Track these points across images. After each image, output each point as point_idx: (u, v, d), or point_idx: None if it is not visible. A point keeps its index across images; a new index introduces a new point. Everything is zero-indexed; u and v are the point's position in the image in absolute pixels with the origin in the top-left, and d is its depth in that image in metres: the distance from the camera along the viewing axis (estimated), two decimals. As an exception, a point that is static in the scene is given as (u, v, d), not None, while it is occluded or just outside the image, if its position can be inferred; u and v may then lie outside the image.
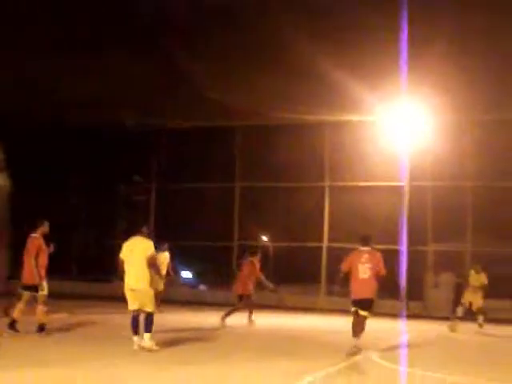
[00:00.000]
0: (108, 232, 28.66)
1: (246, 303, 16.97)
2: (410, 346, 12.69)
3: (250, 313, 17.16)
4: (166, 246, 19.34)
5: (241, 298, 16.95)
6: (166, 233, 27.54)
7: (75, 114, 24.25)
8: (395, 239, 24.34)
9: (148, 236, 11.61)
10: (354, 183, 25.98)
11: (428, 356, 12.05)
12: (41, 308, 12.54)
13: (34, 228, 12.93)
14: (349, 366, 10.25)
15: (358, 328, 12.08)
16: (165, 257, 19.13)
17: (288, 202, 26.70)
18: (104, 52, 20.70)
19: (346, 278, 12.39)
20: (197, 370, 9.49)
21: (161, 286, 17.79)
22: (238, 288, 17.12)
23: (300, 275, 27.87)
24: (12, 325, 12.50)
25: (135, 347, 10.93)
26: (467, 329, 17.83)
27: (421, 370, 10.14)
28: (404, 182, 24.84)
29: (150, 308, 11.15)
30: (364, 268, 12.12)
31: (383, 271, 12.29)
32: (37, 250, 12.65)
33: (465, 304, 17.89)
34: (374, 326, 18.41)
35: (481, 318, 17.76)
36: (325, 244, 26.47)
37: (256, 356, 11.15)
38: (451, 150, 24.00)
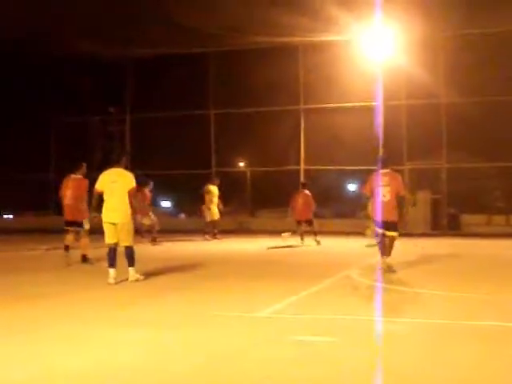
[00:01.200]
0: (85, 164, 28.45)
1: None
2: (397, 264, 12.85)
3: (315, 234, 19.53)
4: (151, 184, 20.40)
5: (299, 223, 19.59)
6: (143, 163, 27.53)
7: (50, 44, 23.77)
8: (371, 159, 24.45)
9: (126, 167, 11.23)
10: (329, 105, 25.95)
11: (412, 273, 12.25)
12: (85, 241, 13.79)
13: (74, 170, 14.08)
14: (330, 286, 10.43)
15: (389, 248, 12.24)
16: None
17: (264, 127, 26.66)
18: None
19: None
20: (176, 292, 9.66)
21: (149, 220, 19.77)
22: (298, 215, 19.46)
23: (278, 199, 28.08)
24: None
25: (110, 280, 10.53)
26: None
27: (403, 287, 10.38)
28: (378, 102, 24.82)
29: (129, 242, 10.84)
30: (384, 190, 12.12)
31: (402, 192, 12.44)
32: (84, 190, 13.76)
33: None
34: (353, 246, 18.80)
35: None
36: (302, 167, 26.60)
37: (238, 278, 11.32)
38: (425, 68, 23.94)
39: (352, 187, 31.30)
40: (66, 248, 13.79)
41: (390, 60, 24.05)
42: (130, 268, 10.82)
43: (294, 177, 26.63)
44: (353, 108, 25.42)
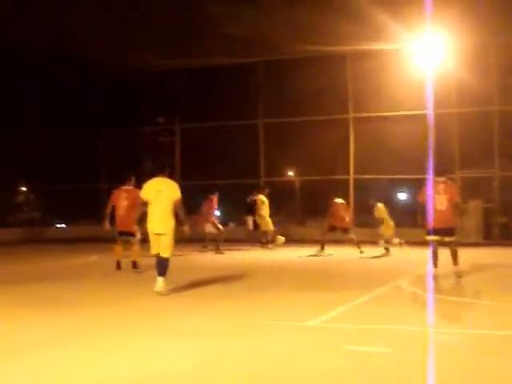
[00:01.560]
0: (134, 175, 28.79)
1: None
2: (442, 273, 12.72)
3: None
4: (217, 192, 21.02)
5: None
6: (192, 173, 27.74)
7: (99, 56, 24.14)
8: (422, 168, 24.19)
9: (170, 177, 11.11)
10: (379, 114, 25.78)
11: (463, 283, 12.10)
12: (136, 249, 14.18)
13: (125, 181, 14.61)
14: (381, 295, 10.34)
15: (454, 257, 12.45)
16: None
17: (313, 136, 26.57)
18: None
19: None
20: (227, 301, 9.69)
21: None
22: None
23: (326, 208, 27.95)
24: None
25: (157, 289, 10.41)
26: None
27: (454, 297, 10.25)
28: (429, 110, 24.55)
29: (167, 253, 10.57)
30: (441, 198, 12.32)
31: (457, 199, 12.71)
32: (135, 201, 13.67)
33: None
34: (404, 255, 18.61)
35: None
36: (351, 176, 26.46)
37: (289, 288, 11.31)
38: (476, 75, 23.63)
39: (402, 196, 30.99)
40: (118, 265, 14.17)
41: (440, 67, 23.79)
42: (160, 278, 10.48)
43: (343, 186, 26.50)
44: (403, 116, 25.20)
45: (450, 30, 21.91)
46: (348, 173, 26.55)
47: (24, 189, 31.98)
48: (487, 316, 8.53)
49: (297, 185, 29.46)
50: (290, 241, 23.00)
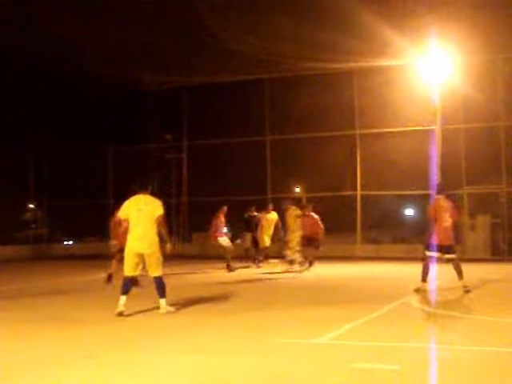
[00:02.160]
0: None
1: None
2: (450, 289, 12.69)
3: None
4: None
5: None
6: (199, 189, 27.78)
7: (106, 74, 24.24)
8: (428, 184, 24.22)
9: (152, 194, 10.63)
10: (385, 129, 25.80)
11: (470, 299, 12.04)
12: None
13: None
14: (389, 312, 10.30)
15: (458, 271, 12.56)
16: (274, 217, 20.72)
17: (319, 152, 26.61)
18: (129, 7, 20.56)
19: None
20: (235, 317, 9.67)
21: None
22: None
23: (335, 225, 27.91)
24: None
25: (119, 308, 9.94)
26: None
27: (460, 313, 10.20)
28: (436, 126, 24.57)
29: (158, 272, 10.23)
30: (446, 216, 12.51)
31: (457, 217, 12.94)
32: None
33: None
34: (412, 271, 18.53)
35: None
36: (358, 192, 26.45)
37: (296, 305, 11.28)
38: (482, 91, 23.64)
39: (409, 212, 30.96)
40: (110, 277, 14.55)
41: (447, 83, 23.82)
42: (162, 300, 10.27)
43: (350, 202, 26.51)
44: (409, 132, 25.20)
45: (457, 45, 21.97)
46: (355, 189, 26.54)
47: (32, 206, 32.08)
48: (494, 333, 8.48)
49: (304, 201, 29.43)
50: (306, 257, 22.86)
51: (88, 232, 29.37)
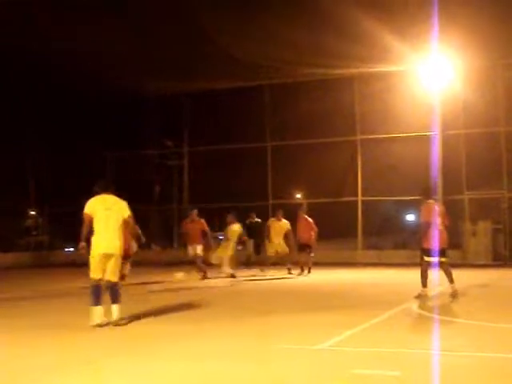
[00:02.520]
0: (142, 198, 28.88)
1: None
2: (451, 295, 12.67)
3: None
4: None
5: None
6: (201, 196, 27.76)
7: (105, 80, 24.27)
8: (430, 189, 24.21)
9: (115, 195, 10.13)
10: (386, 135, 25.79)
11: (471, 305, 12.03)
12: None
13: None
14: (390, 318, 10.28)
15: (449, 275, 12.65)
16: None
17: (320, 158, 26.59)
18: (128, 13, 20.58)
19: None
20: (238, 323, 9.65)
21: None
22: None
23: (336, 231, 27.87)
24: None
25: (97, 320, 9.50)
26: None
27: (462, 319, 10.17)
28: (436, 131, 24.57)
29: (117, 277, 9.84)
30: (439, 220, 12.62)
31: (449, 222, 13.07)
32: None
33: None
34: (413, 277, 18.51)
35: None
36: (359, 198, 26.43)
37: (297, 311, 11.26)
38: (483, 96, 23.66)
39: (410, 217, 30.91)
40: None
41: (447, 89, 23.83)
42: (115, 305, 9.69)
43: (351, 208, 26.49)
44: (410, 138, 25.19)
45: (457, 51, 21.98)
46: (356, 194, 26.52)
47: (33, 213, 32.04)
48: (497, 338, 8.46)
49: (304, 207, 29.39)
50: (299, 263, 22.86)
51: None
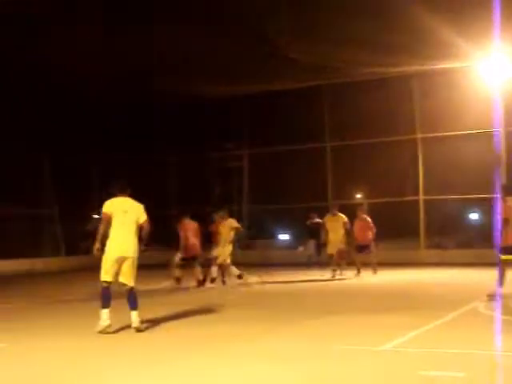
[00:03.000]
0: (203, 200, 29.13)
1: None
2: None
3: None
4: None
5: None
6: (261, 197, 27.86)
7: (162, 83, 24.51)
8: (494, 187, 23.76)
9: (131, 197, 10.01)
10: (447, 133, 25.42)
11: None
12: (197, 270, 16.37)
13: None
14: (454, 319, 10.12)
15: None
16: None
17: (381, 158, 26.37)
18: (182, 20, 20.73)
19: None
20: (301, 324, 9.64)
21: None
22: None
23: (397, 230, 27.61)
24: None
25: (105, 323, 9.34)
26: None
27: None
28: (500, 128, 24.07)
29: (133, 282, 9.63)
30: None
31: None
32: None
33: None
34: (478, 277, 18.21)
35: None
36: (421, 197, 26.11)
37: (358, 312, 11.20)
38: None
39: (474, 216, 30.40)
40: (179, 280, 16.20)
41: (509, 85, 23.32)
42: (135, 312, 9.51)
43: (412, 207, 26.20)
44: (472, 135, 24.76)
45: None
46: (417, 193, 26.20)
47: (96, 216, 32.56)
48: None
49: (364, 207, 29.19)
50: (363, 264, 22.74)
51: (152, 241, 29.76)
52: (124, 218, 9.62)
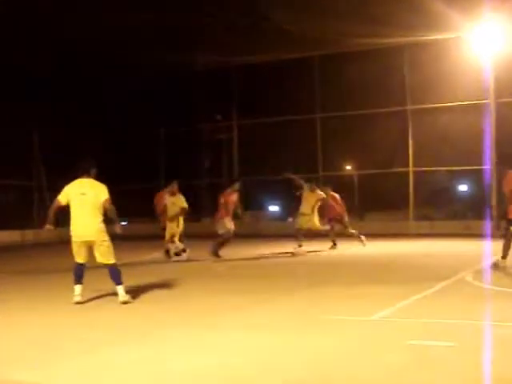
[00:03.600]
0: (193, 172, 29.08)
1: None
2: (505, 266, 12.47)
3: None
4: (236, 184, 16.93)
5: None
6: (251, 168, 27.81)
7: (149, 55, 24.36)
8: (482, 159, 23.85)
9: (95, 178, 9.79)
10: (437, 104, 25.39)
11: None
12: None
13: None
14: (443, 289, 10.16)
15: None
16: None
17: (370, 129, 26.35)
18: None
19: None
20: (288, 297, 9.66)
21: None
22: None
23: (387, 202, 27.71)
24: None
25: (77, 298, 9.44)
26: None
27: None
28: (489, 99, 24.06)
29: (111, 260, 9.55)
30: None
31: None
32: None
33: None
34: (466, 247, 18.31)
35: None
36: (411, 169, 26.14)
37: (347, 283, 11.23)
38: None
39: (463, 188, 30.51)
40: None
41: (501, 56, 23.27)
42: (119, 287, 9.52)
43: (401, 179, 26.24)
44: (462, 107, 24.74)
45: (510, 16, 21.43)
46: (407, 165, 26.23)
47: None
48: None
49: (355, 179, 29.25)
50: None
51: (140, 213, 29.62)
52: (82, 200, 9.48)
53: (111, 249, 9.60)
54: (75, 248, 9.57)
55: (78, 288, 9.51)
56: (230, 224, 16.22)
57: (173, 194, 16.16)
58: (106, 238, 9.53)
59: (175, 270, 14.18)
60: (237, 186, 16.67)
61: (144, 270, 14.33)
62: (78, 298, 9.44)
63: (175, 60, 25.20)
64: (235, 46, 24.24)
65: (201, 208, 28.99)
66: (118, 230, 9.72)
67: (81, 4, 20.38)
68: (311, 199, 17.63)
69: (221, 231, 16.25)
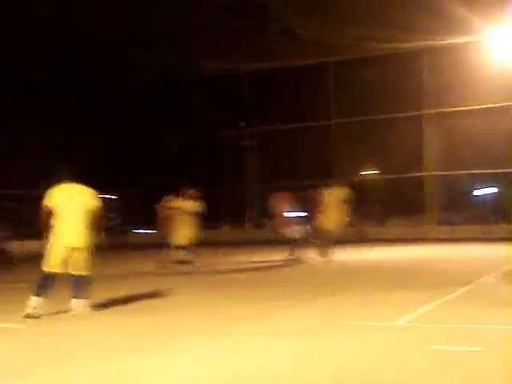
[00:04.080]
0: (216, 179, 29.15)
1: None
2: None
3: None
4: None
5: None
6: (270, 174, 27.81)
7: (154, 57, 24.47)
8: (506, 162, 23.72)
9: (82, 183, 9.34)
10: (457, 108, 25.27)
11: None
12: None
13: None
14: (466, 294, 10.09)
15: None
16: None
17: (389, 134, 26.26)
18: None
19: None
20: (310, 303, 9.64)
21: None
22: None
23: (406, 206, 27.57)
24: None
25: (29, 310, 8.71)
26: None
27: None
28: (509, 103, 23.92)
29: (85, 271, 9.09)
30: None
31: None
32: None
33: None
34: (488, 251, 18.18)
35: None
36: (430, 173, 26.00)
37: (369, 288, 11.18)
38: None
39: (484, 191, 30.28)
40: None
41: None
42: (83, 300, 9.05)
43: (419, 183, 26.14)
44: (484, 110, 24.58)
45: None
46: (427, 169, 26.10)
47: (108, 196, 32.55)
48: None
49: (372, 184, 29.10)
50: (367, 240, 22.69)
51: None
52: (69, 205, 9.03)
53: (88, 260, 9.13)
54: (55, 255, 8.92)
55: (39, 300, 8.79)
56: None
57: (188, 198, 15.80)
58: (88, 247, 9.13)
59: (186, 278, 14.18)
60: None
61: (165, 279, 14.35)
62: (32, 311, 8.72)
63: (184, 65, 25.29)
64: (250, 51, 24.26)
65: (221, 215, 28.98)
66: (100, 239, 9.45)
67: (81, 4, 20.50)
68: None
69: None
